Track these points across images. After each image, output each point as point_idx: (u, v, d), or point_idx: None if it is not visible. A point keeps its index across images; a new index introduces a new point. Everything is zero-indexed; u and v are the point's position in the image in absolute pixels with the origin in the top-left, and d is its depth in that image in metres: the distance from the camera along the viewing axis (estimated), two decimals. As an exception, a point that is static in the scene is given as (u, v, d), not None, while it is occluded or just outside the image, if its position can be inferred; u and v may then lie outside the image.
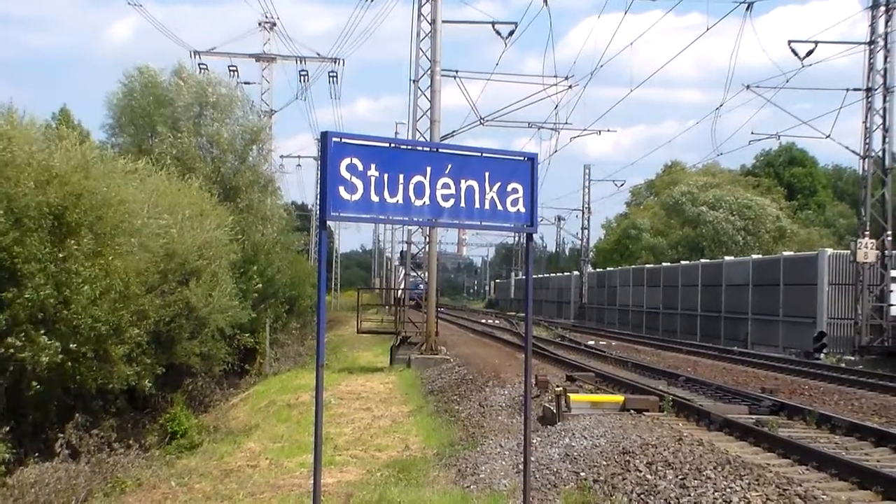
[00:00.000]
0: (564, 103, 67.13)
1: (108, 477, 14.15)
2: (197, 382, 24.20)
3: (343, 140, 7.10)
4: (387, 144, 7.50)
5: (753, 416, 14.31)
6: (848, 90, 30.68)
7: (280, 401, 20.73)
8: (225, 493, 11.73)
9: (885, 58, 29.66)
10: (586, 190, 66.39)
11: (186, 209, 21.25)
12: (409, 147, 8.12)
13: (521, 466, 9.78)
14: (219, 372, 24.87)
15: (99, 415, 17.45)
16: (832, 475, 10.24)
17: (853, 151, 30.92)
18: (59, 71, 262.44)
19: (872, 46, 29.72)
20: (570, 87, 32.81)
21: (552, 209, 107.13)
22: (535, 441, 12.37)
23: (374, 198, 7.13)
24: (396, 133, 50.96)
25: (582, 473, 10.71)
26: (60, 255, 15.23)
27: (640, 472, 10.27)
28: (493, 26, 30.30)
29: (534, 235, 8.47)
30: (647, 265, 54.14)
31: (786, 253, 39.44)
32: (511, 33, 30.06)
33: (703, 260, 46.25)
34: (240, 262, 25.34)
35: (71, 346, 15.22)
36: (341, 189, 7.00)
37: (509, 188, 7.77)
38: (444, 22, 27.16)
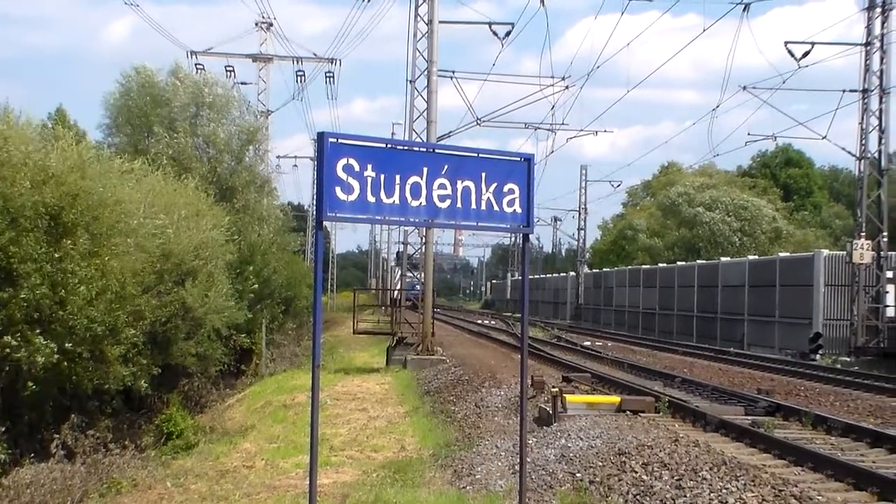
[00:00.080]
0: (561, 104, 67.01)
1: (104, 477, 14.14)
2: (193, 383, 24.18)
3: (339, 140, 7.10)
4: (383, 145, 7.50)
5: (749, 418, 14.33)
6: (844, 91, 30.72)
7: (276, 401, 20.72)
8: (221, 493, 11.73)
9: (882, 59, 29.72)
10: (583, 191, 66.43)
11: (183, 209, 21.22)
12: (406, 148, 8.11)
13: (516, 467, 9.79)
14: (215, 372, 24.86)
15: (95, 415, 17.42)
16: (828, 476, 10.26)
17: (849, 153, 31.02)
18: (57, 70, 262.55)
19: (869, 48, 29.77)
20: (566, 87, 32.77)
21: (549, 210, 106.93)
22: (531, 442, 12.37)
23: (371, 198, 7.13)
24: (393, 134, 50.99)
25: (578, 474, 10.71)
26: (56, 256, 15.21)
27: (636, 473, 10.27)
28: (490, 27, 30.29)
29: (530, 236, 8.47)
30: (644, 266, 54.18)
31: (782, 254, 39.51)
32: (508, 34, 30.07)
33: (699, 261, 46.29)
34: (236, 263, 25.32)
35: (67, 346, 15.20)
36: (338, 189, 7.00)
37: (506, 189, 7.77)
38: (440, 22, 27.17)
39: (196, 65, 42.10)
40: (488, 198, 7.69)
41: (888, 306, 30.02)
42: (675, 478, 9.84)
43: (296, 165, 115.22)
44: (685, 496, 9.23)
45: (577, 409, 14.29)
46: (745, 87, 32.64)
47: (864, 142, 29.94)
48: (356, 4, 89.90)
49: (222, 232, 22.94)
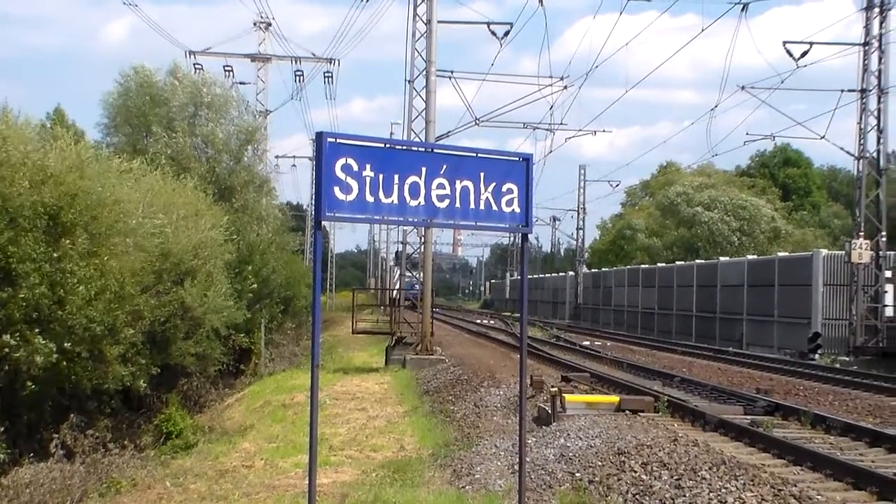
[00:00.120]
0: (560, 104, 67.27)
1: (103, 477, 14.14)
2: (192, 383, 24.18)
3: (338, 140, 7.10)
4: (382, 145, 7.50)
5: (748, 417, 14.34)
6: (843, 91, 30.75)
7: (275, 401, 20.73)
8: (220, 493, 11.73)
9: (880, 59, 29.74)
10: (581, 190, 66.44)
11: (181, 209, 21.22)
12: (405, 147, 8.11)
13: (516, 467, 9.79)
14: (214, 372, 24.84)
15: (94, 415, 17.41)
16: (827, 475, 10.26)
17: (848, 152, 31.03)
18: (56, 70, 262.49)
19: (867, 47, 29.78)
20: (565, 87, 32.80)
21: (547, 209, 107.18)
22: (530, 441, 12.37)
23: (370, 198, 7.13)
24: (392, 133, 50.99)
25: (577, 474, 10.71)
26: (55, 255, 15.20)
27: (636, 472, 10.27)
28: (489, 27, 30.31)
29: (529, 236, 8.47)
30: (643, 266, 54.20)
31: (781, 254, 39.53)
32: (506, 34, 30.11)
33: (698, 260, 46.29)
34: (235, 263, 25.31)
35: (66, 346, 15.19)
36: (336, 189, 7.00)
37: (504, 188, 7.77)
38: (439, 22, 27.19)
39: (194, 64, 42.07)
40: (487, 197, 7.69)
41: (887, 306, 30.04)
42: (675, 477, 9.84)
43: (294, 165, 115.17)
44: (684, 496, 9.23)
45: (577, 408, 14.30)
46: (743, 87, 32.68)
47: (862, 141, 29.96)
48: (355, 4, 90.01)
49: (221, 232, 22.92)
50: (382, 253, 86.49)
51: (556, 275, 77.51)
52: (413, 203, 7.34)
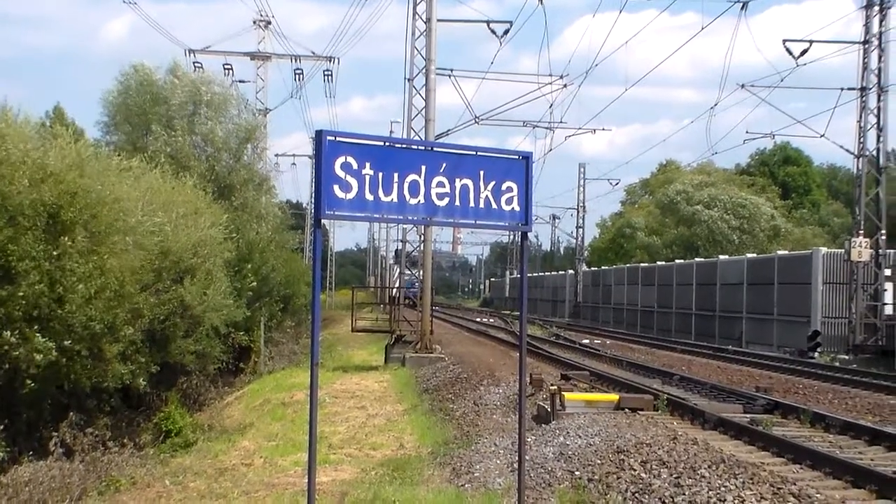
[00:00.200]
0: (559, 102, 67.32)
1: (103, 475, 14.12)
2: (191, 381, 24.15)
3: (338, 139, 7.10)
4: (381, 143, 7.50)
5: (748, 415, 14.34)
6: (842, 89, 30.79)
7: (274, 399, 20.74)
8: (219, 491, 11.73)
9: (880, 57, 29.74)
10: (581, 189, 66.49)
11: (181, 207, 21.20)
12: (404, 146, 8.12)
13: (515, 465, 9.79)
14: (213, 370, 24.81)
15: (93, 413, 17.40)
16: (826, 474, 10.27)
17: (847, 150, 31.05)
18: (56, 69, 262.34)
19: (867, 46, 29.78)
20: (564, 85, 32.86)
21: (547, 208, 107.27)
22: (529, 440, 12.37)
23: (369, 196, 7.13)
24: (391, 132, 51.02)
25: (577, 472, 10.71)
26: (55, 253, 15.19)
27: (635, 470, 10.28)
28: (489, 25, 30.35)
29: (528, 234, 8.48)
30: (642, 264, 54.19)
31: (780, 252, 39.51)
32: (506, 32, 30.13)
33: (697, 259, 46.31)
34: (234, 261, 25.30)
35: (65, 344, 15.17)
36: (336, 188, 7.00)
37: (504, 187, 7.77)
38: (439, 21, 27.18)
39: (194, 63, 42.09)
40: (487, 196, 7.69)
41: (886, 304, 30.05)
42: (674, 476, 9.84)
43: (294, 163, 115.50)
44: (684, 494, 9.24)
45: (576, 406, 14.31)
46: (743, 86, 32.70)
47: (862, 140, 29.96)
48: (354, 2, 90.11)
49: (221, 230, 22.90)
50: (382, 251, 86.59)
51: (555, 273, 77.53)
52: (413, 201, 7.34)
